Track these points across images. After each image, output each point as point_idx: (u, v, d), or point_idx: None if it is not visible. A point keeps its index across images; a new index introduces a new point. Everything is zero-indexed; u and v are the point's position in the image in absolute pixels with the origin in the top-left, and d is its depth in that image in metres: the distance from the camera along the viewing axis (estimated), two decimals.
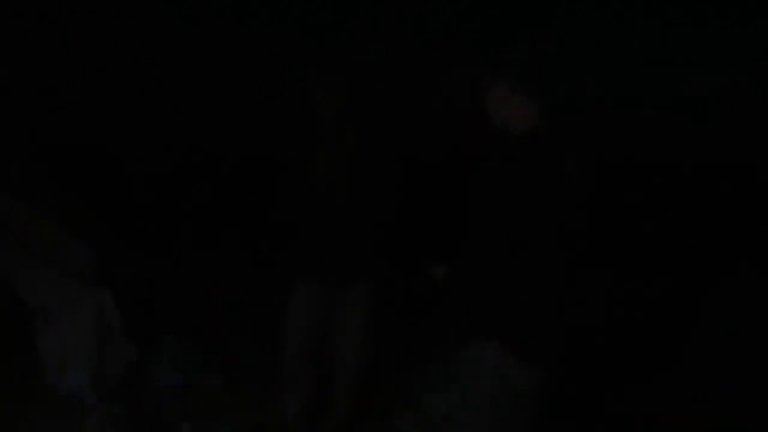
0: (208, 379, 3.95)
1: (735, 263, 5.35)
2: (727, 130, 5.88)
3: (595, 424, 3.52)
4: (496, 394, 2.22)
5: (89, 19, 5.81)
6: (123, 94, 5.91)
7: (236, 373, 4.06)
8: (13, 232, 3.83)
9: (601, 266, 4.25)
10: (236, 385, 3.95)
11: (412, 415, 2.70)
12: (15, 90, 5.35)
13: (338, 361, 3.25)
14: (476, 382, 2.25)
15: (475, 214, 2.24)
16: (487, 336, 2.23)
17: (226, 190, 5.87)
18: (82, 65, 5.83)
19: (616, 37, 5.80)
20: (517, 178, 2.17)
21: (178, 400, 3.74)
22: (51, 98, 5.79)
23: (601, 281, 4.56)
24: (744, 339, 4.28)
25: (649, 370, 4.02)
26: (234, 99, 5.95)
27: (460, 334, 2.31)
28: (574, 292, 2.31)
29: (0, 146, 4.07)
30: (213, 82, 5.96)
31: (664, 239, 5.57)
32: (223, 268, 5.31)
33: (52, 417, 3.61)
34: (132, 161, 5.93)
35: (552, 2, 5.66)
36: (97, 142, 5.93)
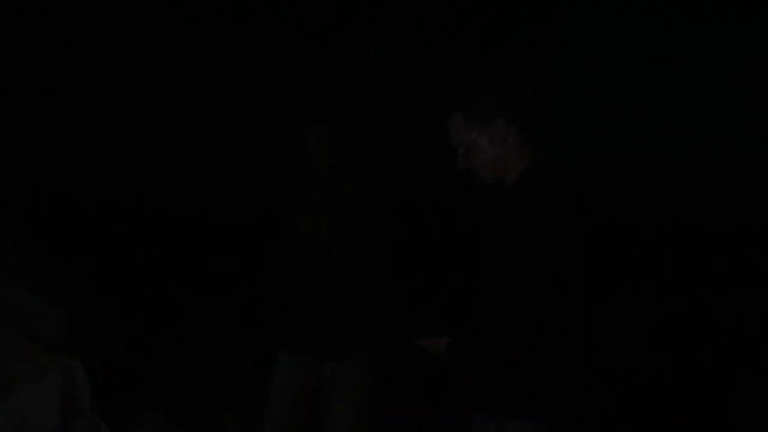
0: None
1: None
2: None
3: None
4: None
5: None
6: (96, 153, 5.70)
7: None
8: None
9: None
10: None
11: None
12: None
13: None
14: None
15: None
16: (496, 410, 1.96)
17: (209, 252, 5.55)
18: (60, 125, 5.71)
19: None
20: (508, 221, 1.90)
21: None
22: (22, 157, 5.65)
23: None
24: None
25: None
26: (218, 156, 5.85)
27: (464, 410, 2.06)
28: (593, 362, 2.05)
29: None
30: (196, 139, 5.86)
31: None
32: (206, 338, 5.01)
33: None
34: (109, 222, 5.66)
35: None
36: (71, 204, 5.70)
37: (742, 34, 5.33)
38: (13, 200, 4.62)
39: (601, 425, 2.13)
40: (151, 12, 5.53)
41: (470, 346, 2.04)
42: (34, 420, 3.60)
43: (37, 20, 5.43)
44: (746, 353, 4.57)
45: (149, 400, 4.00)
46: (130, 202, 5.72)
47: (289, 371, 2.96)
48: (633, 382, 4.27)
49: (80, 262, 4.47)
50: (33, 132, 5.57)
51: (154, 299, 5.23)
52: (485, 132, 1.91)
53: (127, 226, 5.62)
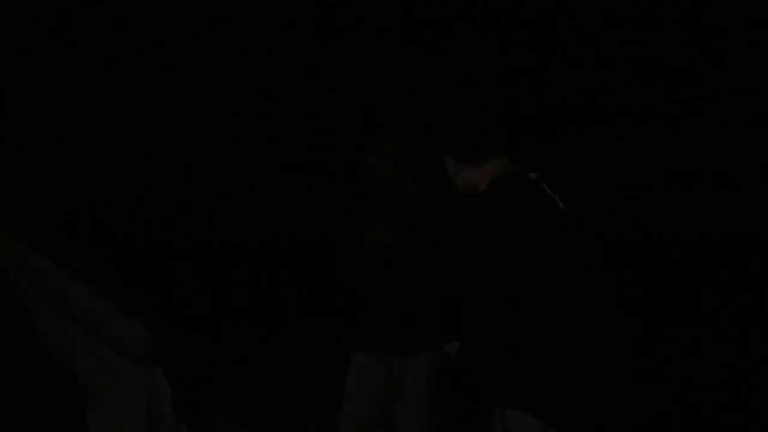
0: None
1: None
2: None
3: None
4: None
5: None
6: (170, 178, 5.92)
7: None
8: (68, 309, 3.74)
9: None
10: None
11: None
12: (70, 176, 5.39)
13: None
14: None
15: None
16: (511, 404, 2.20)
17: (281, 263, 5.82)
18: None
19: None
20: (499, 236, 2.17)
21: None
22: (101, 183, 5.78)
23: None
24: None
25: None
26: (288, 171, 5.94)
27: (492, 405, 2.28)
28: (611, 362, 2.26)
29: (60, 229, 4.00)
30: (269, 157, 5.97)
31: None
32: (280, 346, 5.21)
33: None
34: (186, 241, 5.93)
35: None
36: (151, 223, 5.93)
37: None
38: (97, 220, 4.74)
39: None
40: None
41: (466, 348, 2.32)
42: (122, 423, 3.69)
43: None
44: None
45: (225, 406, 4.06)
46: (202, 219, 5.91)
47: (363, 370, 3.12)
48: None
49: (161, 283, 4.59)
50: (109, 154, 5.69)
51: (227, 314, 5.42)
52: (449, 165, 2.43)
53: (201, 242, 5.86)
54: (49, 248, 3.88)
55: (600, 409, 2.23)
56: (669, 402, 4.36)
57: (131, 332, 3.83)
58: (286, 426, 4.33)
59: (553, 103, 5.99)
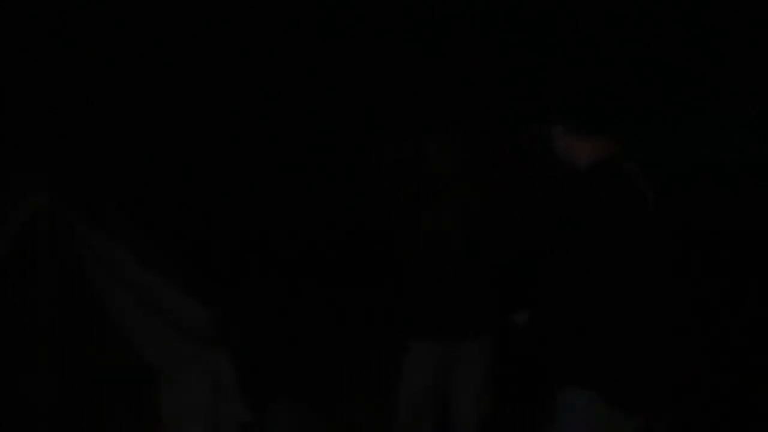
0: None
1: None
2: None
3: None
4: None
5: None
6: (234, 169, 6.09)
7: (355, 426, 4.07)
8: (138, 294, 3.90)
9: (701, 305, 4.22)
10: None
11: None
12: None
13: (458, 418, 3.24)
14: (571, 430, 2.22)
15: (556, 258, 2.25)
16: (581, 384, 2.20)
17: (341, 250, 5.98)
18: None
19: None
20: (591, 216, 2.19)
21: None
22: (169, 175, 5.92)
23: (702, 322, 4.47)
24: None
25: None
26: (348, 159, 6.03)
27: (555, 381, 2.29)
28: (671, 335, 2.30)
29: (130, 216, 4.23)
30: (328, 147, 6.09)
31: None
32: (339, 330, 5.31)
33: None
34: (248, 228, 6.09)
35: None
36: (214, 211, 6.09)
37: None
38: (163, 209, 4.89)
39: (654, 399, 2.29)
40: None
41: (542, 319, 2.31)
42: (189, 403, 3.84)
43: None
44: None
45: (284, 387, 4.20)
46: (263, 210, 6.06)
47: (419, 355, 3.18)
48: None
49: (224, 268, 4.83)
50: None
51: (288, 298, 5.53)
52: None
53: (263, 231, 6.03)
54: (124, 238, 4.01)
55: (662, 391, 2.27)
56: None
57: (197, 317, 3.96)
58: (343, 407, 4.42)
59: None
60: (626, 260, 2.18)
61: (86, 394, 4.19)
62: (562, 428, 2.24)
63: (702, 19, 5.46)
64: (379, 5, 5.84)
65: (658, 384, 2.25)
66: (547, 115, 2.51)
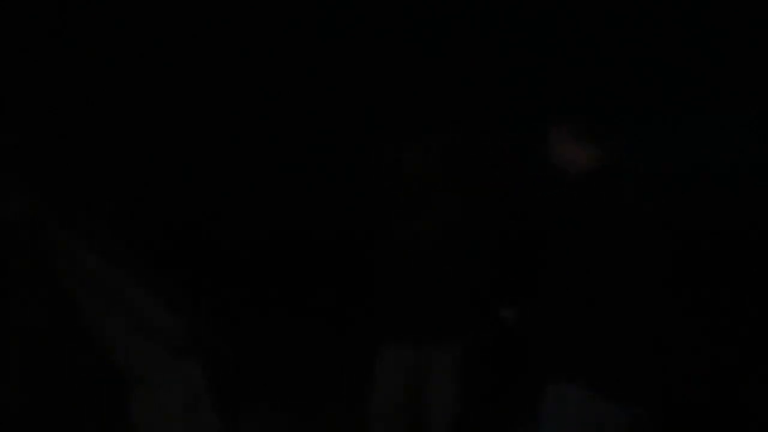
0: None
1: None
2: None
3: None
4: None
5: None
6: (210, 174, 6.08)
7: None
8: (111, 299, 3.87)
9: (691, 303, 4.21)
10: None
11: None
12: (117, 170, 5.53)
13: (430, 419, 3.25)
14: (560, 425, 2.23)
15: (552, 256, 2.28)
16: (570, 378, 2.23)
17: (312, 257, 5.93)
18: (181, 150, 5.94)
19: None
20: (590, 217, 2.23)
21: None
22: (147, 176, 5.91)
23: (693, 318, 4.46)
24: None
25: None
26: (322, 165, 6.04)
27: (541, 377, 2.32)
28: (662, 328, 2.33)
29: (106, 222, 4.20)
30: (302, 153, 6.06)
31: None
32: (312, 337, 5.30)
33: None
34: (221, 234, 6.08)
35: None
36: (190, 218, 6.07)
37: None
38: (137, 214, 4.91)
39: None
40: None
41: (536, 315, 2.35)
42: (162, 413, 3.80)
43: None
44: None
45: (257, 395, 4.14)
46: (236, 214, 6.06)
47: (391, 360, 3.23)
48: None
49: (197, 277, 4.77)
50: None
51: (260, 307, 5.52)
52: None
53: (238, 239, 5.98)
54: (98, 241, 3.97)
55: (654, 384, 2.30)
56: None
57: (169, 324, 3.94)
58: (317, 414, 4.42)
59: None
60: (622, 264, 2.22)
61: (57, 401, 4.07)
62: (554, 422, 2.25)
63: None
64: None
65: (651, 376, 2.27)
66: (547, 116, 2.52)
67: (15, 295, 4.12)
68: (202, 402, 3.87)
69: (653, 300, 2.28)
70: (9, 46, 5.26)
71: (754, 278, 5.22)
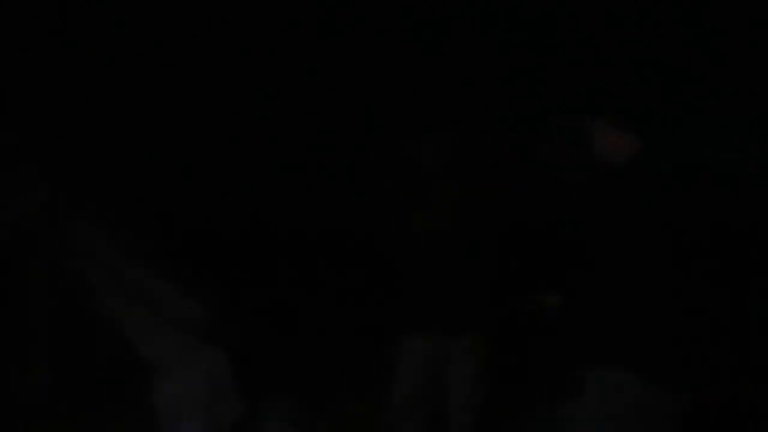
0: None
1: None
2: None
3: None
4: (629, 422, 2.22)
5: None
6: (229, 167, 6.11)
7: (345, 429, 4.15)
8: (132, 289, 3.94)
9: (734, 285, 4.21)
10: None
11: None
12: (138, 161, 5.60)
13: (453, 413, 3.30)
14: (603, 411, 2.23)
15: (589, 243, 2.30)
16: (611, 363, 2.23)
17: (333, 247, 5.95)
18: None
19: None
20: (626, 204, 2.28)
21: None
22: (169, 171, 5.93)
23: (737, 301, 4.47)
24: None
25: None
26: (340, 156, 6.05)
27: (578, 363, 2.32)
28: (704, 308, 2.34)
29: (120, 212, 4.25)
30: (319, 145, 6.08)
31: None
32: (333, 326, 5.33)
33: None
34: (244, 224, 6.11)
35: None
36: (210, 208, 6.09)
37: None
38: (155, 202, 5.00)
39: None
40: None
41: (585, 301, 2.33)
42: (185, 399, 3.87)
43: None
44: None
45: (279, 383, 4.21)
46: (257, 206, 6.09)
47: (412, 351, 3.28)
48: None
49: (219, 266, 4.82)
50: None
51: (282, 294, 5.58)
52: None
53: (258, 227, 6.03)
54: (119, 233, 4.11)
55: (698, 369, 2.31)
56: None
57: (194, 312, 4.03)
58: (338, 404, 4.44)
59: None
60: (663, 248, 2.27)
61: (80, 390, 4.25)
62: (594, 409, 2.24)
63: (702, 19, 5.46)
64: (379, 5, 5.85)
65: (694, 360, 2.29)
66: (586, 106, 2.53)
67: (37, 287, 4.22)
68: (225, 390, 3.91)
69: (694, 282, 2.30)
70: (27, 42, 5.29)
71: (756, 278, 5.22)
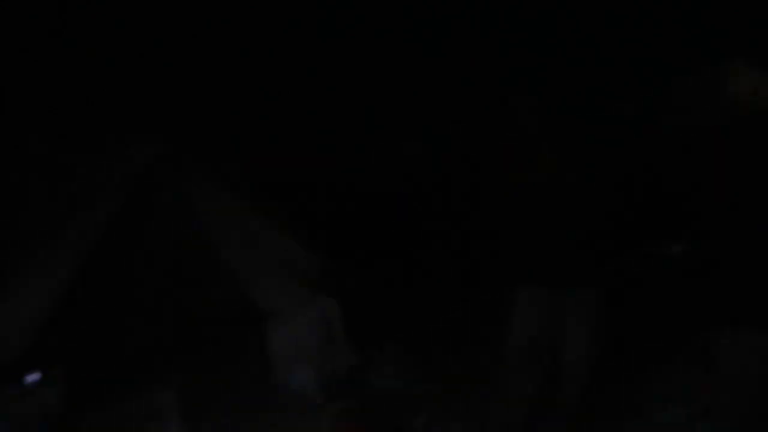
0: (426, 385, 3.99)
1: None
2: None
3: None
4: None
5: None
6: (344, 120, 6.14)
7: (455, 379, 4.05)
8: (249, 238, 4.06)
9: None
10: (455, 391, 3.92)
11: (640, 425, 2.57)
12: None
13: (564, 365, 3.22)
14: (737, 376, 2.09)
15: (719, 189, 2.20)
16: (742, 324, 2.09)
17: (447, 196, 6.00)
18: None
19: None
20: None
21: (397, 404, 3.76)
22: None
23: None
24: None
25: None
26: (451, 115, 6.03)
27: (706, 325, 2.21)
28: None
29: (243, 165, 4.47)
30: (429, 107, 6.09)
31: None
32: (446, 276, 5.36)
33: (281, 414, 3.82)
34: (357, 178, 6.21)
35: None
36: (324, 162, 6.16)
37: None
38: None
39: None
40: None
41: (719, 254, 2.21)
42: (299, 345, 4.01)
43: None
44: None
45: (390, 331, 4.29)
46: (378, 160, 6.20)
47: (527, 304, 3.21)
48: None
49: (333, 216, 5.12)
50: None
51: (394, 244, 5.72)
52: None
53: (371, 181, 6.17)
54: (238, 185, 4.23)
55: None
56: None
57: (309, 262, 4.15)
58: (450, 355, 4.46)
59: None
60: None
61: (198, 335, 4.41)
62: (728, 373, 2.13)
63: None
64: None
65: None
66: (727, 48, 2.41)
67: (156, 235, 4.40)
68: (338, 338, 4.01)
69: None
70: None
71: None
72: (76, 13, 4.91)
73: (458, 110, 5.95)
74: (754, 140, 2.17)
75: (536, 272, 3.17)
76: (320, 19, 5.70)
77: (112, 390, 3.99)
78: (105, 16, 5.04)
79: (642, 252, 3.11)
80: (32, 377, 3.63)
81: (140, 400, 3.79)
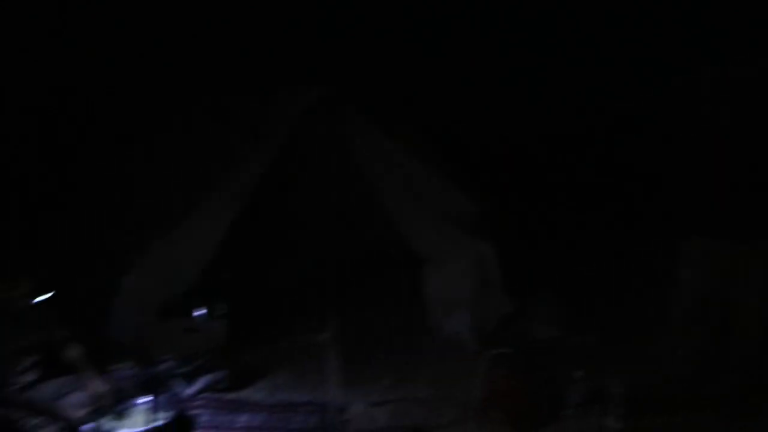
0: (583, 337, 3.75)
1: None
2: None
3: None
4: None
5: None
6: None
7: (614, 333, 3.88)
8: (407, 183, 4.11)
9: None
10: (614, 344, 3.74)
11: None
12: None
13: (739, 324, 3.03)
14: None
15: None
16: None
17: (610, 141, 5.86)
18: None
19: None
20: None
21: (552, 354, 3.58)
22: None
23: None
24: None
25: None
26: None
27: None
28: None
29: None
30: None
31: None
32: (608, 226, 5.21)
33: (436, 358, 3.84)
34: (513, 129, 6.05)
35: None
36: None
37: None
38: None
39: None
40: None
41: None
42: (455, 291, 4.03)
43: None
44: None
45: (545, 281, 4.16)
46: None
47: (701, 257, 3.04)
48: None
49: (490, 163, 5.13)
50: None
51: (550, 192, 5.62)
52: None
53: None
54: (396, 131, 4.25)
55: None
56: None
57: (466, 208, 4.17)
58: (616, 306, 4.33)
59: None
60: None
61: (356, 277, 4.49)
62: None
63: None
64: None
65: None
66: None
67: (318, 180, 4.50)
68: (493, 284, 4.00)
69: None
70: None
71: None
72: None
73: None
74: None
75: (710, 223, 2.96)
76: None
77: (272, 328, 4.13)
78: None
79: None
80: (199, 313, 3.81)
81: (298, 339, 3.82)
